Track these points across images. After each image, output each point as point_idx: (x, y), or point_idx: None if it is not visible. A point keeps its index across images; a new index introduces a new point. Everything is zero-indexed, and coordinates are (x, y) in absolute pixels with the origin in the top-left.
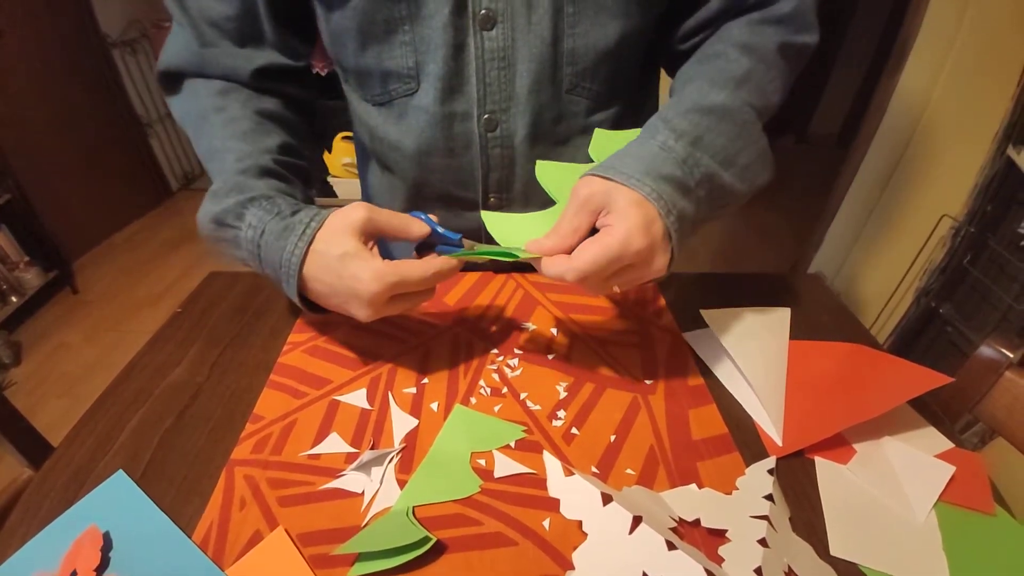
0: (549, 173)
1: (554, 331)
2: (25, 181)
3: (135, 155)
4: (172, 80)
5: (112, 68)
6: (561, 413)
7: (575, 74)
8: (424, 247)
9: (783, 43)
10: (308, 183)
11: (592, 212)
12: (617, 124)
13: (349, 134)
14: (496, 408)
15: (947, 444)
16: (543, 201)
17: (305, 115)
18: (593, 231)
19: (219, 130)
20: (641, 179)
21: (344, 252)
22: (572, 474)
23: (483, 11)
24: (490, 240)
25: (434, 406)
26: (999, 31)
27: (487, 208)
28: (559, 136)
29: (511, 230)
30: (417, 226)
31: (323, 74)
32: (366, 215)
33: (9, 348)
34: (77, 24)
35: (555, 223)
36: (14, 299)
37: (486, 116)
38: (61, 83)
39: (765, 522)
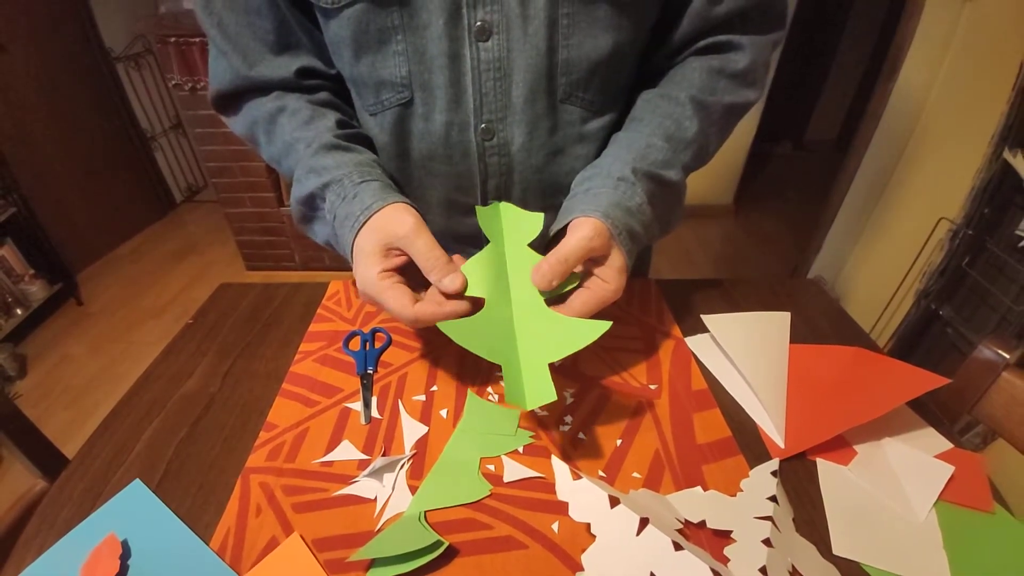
0: (487, 216)
1: None
2: (30, 194)
3: (139, 168)
4: (227, 102)
5: (116, 82)
6: (568, 418)
7: (569, 84)
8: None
9: (730, 104)
10: (372, 147)
11: (591, 256)
12: (612, 133)
13: None
14: None
15: (946, 444)
16: (541, 206)
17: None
18: None
19: (287, 125)
20: (627, 244)
21: (368, 259)
22: (580, 478)
23: (479, 23)
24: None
25: (443, 413)
26: (995, 34)
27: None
28: (555, 145)
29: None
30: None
31: None
32: (396, 239)
33: (14, 360)
34: (81, 38)
35: (559, 252)
36: (19, 311)
37: (483, 126)
38: (65, 97)
39: (769, 523)
